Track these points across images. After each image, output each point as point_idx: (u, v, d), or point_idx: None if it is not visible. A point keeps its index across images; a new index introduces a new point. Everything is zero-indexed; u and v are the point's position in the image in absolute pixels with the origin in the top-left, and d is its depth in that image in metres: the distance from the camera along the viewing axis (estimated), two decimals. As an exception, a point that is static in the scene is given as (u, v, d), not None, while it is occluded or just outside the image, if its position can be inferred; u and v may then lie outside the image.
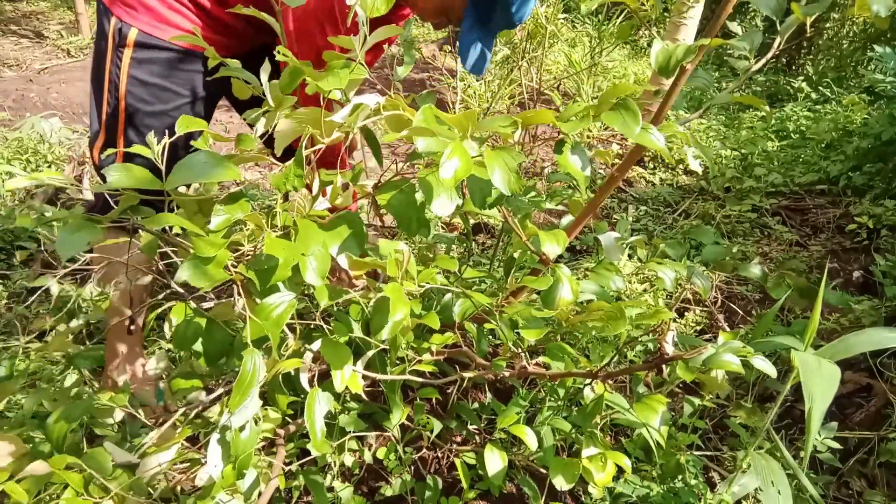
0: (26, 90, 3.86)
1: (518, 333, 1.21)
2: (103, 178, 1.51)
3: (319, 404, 0.85)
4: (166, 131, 1.42)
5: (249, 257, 0.82)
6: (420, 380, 1.13)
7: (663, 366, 0.91)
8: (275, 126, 0.90)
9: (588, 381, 1.15)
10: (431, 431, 1.41)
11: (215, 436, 0.82)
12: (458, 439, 1.54)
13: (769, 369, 0.99)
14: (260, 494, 1.01)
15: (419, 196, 0.85)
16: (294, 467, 1.38)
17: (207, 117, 1.57)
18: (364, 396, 1.17)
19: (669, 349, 0.89)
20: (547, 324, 1.12)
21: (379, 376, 1.06)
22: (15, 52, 4.48)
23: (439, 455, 1.54)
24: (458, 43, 1.43)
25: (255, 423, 0.84)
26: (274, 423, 1.10)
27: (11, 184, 0.78)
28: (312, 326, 1.07)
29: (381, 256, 0.96)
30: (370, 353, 1.03)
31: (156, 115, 1.42)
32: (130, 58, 1.38)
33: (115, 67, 1.40)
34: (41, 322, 1.74)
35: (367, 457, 1.41)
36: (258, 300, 0.80)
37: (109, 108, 1.43)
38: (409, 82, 4.82)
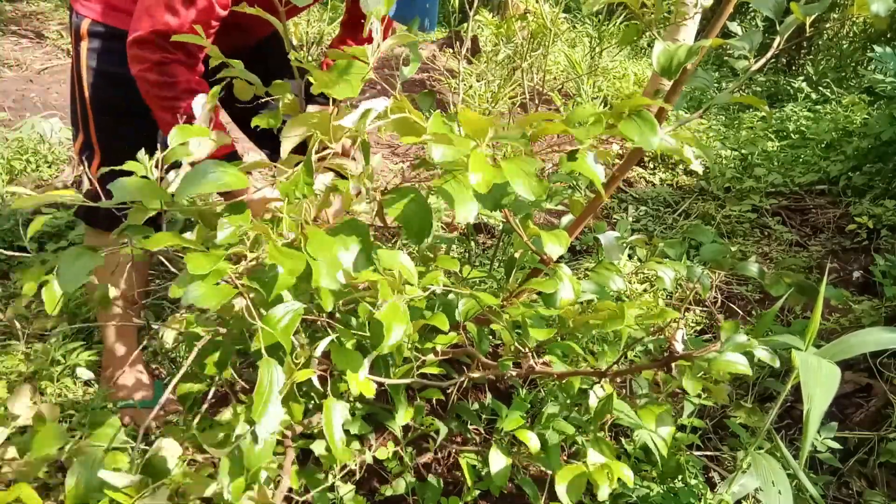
0: (26, 90, 3.86)
1: (519, 333, 1.21)
2: (101, 184, 1.49)
3: (336, 413, 0.85)
4: (134, 123, 1.35)
5: (252, 267, 0.82)
6: (424, 381, 1.13)
7: (673, 364, 0.91)
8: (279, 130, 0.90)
9: (596, 380, 1.15)
10: (437, 432, 1.41)
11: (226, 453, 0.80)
12: (459, 439, 1.54)
13: (772, 359, 0.98)
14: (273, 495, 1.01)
15: (432, 201, 0.84)
16: (295, 467, 1.38)
17: None
18: (369, 399, 1.17)
19: (679, 347, 0.89)
20: (550, 324, 1.12)
21: (384, 380, 1.06)
22: (15, 52, 4.47)
23: (440, 455, 1.54)
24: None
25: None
26: (283, 424, 1.09)
27: (18, 204, 0.77)
28: (318, 328, 1.06)
29: (383, 268, 0.96)
30: (373, 354, 1.03)
31: (120, 103, 1.37)
32: (87, 49, 1.34)
33: (77, 62, 1.37)
34: (41, 322, 1.74)
35: (368, 457, 1.41)
36: (264, 311, 0.79)
37: (80, 105, 1.40)
38: (409, 83, 4.82)
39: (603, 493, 1.02)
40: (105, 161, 1.40)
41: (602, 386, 1.17)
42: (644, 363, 1.04)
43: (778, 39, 0.98)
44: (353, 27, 1.53)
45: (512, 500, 1.47)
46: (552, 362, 1.18)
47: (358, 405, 1.38)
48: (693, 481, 1.42)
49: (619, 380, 1.62)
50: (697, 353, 0.89)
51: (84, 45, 1.35)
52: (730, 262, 1.34)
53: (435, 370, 1.12)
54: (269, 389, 0.73)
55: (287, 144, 0.90)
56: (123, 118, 1.38)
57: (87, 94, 1.37)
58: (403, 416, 1.28)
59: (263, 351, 0.75)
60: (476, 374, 1.15)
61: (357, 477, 1.45)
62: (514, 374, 1.10)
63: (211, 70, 1.09)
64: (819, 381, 0.92)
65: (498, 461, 1.14)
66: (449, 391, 1.55)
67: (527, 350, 1.07)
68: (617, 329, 1.05)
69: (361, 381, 0.89)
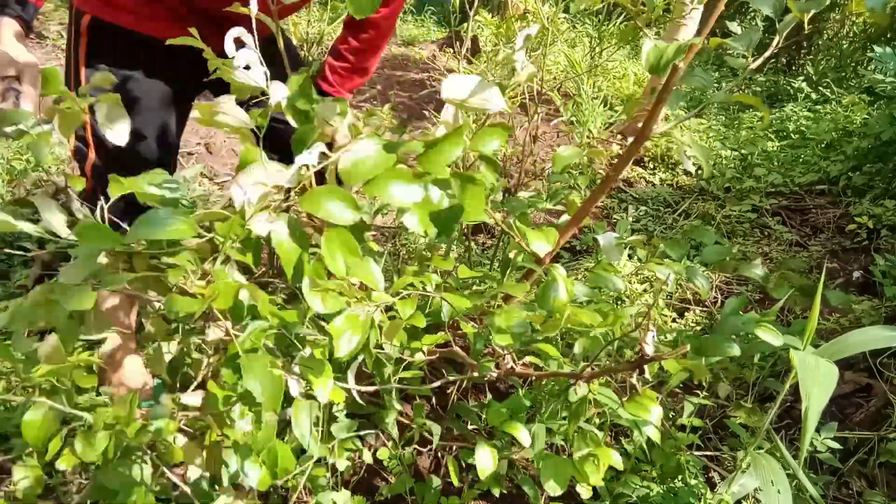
0: (27, 91, 3.85)
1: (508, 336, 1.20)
2: (96, 183, 1.48)
3: (304, 414, 0.85)
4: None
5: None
6: (400, 386, 1.13)
7: (646, 367, 0.90)
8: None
9: (572, 381, 1.15)
10: (431, 434, 1.41)
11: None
12: (459, 439, 1.54)
13: (775, 339, 0.99)
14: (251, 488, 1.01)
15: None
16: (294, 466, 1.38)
17: (179, 103, 1.48)
18: (359, 400, 1.17)
19: (649, 350, 0.89)
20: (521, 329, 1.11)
21: (363, 388, 1.06)
22: (15, 53, 4.47)
23: (439, 455, 1.54)
24: None
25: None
26: None
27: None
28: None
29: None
30: (360, 359, 1.02)
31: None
32: (86, 45, 1.34)
33: (76, 58, 1.36)
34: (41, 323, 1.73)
35: (367, 457, 1.41)
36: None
37: None
38: (409, 83, 4.82)
39: (593, 480, 1.02)
40: (100, 159, 1.40)
41: (576, 388, 1.17)
42: (616, 365, 1.04)
43: (777, 38, 0.98)
44: (356, 26, 1.53)
45: (512, 500, 1.47)
46: (534, 363, 1.18)
47: (341, 410, 1.38)
48: (693, 481, 1.42)
49: (609, 381, 1.62)
50: (667, 355, 0.89)
51: (83, 40, 1.35)
52: (732, 264, 1.34)
53: (416, 374, 1.12)
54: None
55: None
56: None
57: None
58: (393, 416, 1.28)
59: (242, 352, 0.76)
60: (455, 377, 1.16)
61: (356, 477, 1.46)
62: (494, 374, 1.10)
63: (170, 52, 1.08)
64: (817, 379, 0.92)
65: (485, 459, 1.12)
66: (448, 391, 1.55)
67: (505, 351, 1.07)
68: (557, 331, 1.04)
69: (330, 389, 0.88)
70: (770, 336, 0.99)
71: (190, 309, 0.73)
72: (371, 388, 1.08)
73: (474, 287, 1.49)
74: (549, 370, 1.11)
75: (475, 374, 1.11)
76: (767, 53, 0.98)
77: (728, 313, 1.15)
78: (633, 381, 1.05)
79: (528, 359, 1.15)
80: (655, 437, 1.05)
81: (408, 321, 0.98)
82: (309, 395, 0.91)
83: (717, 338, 1.05)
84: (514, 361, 1.04)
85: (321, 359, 0.89)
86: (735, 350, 0.96)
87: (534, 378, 1.11)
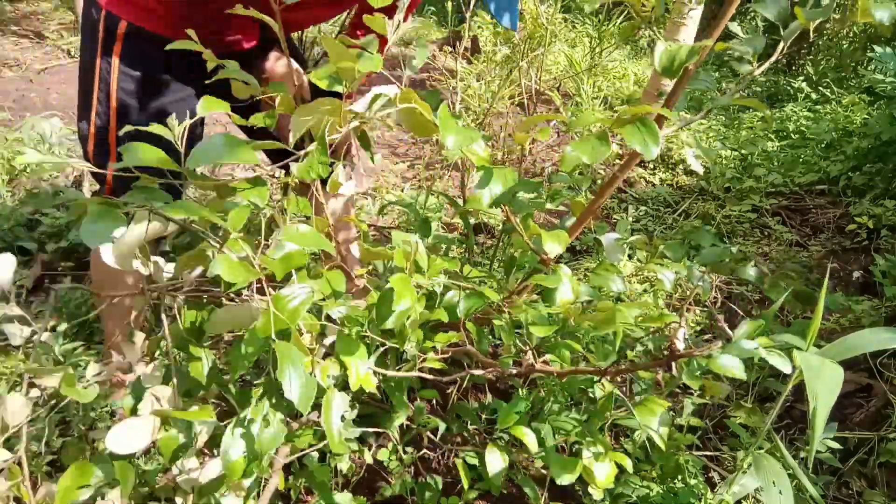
0: (26, 90, 3.86)
1: (519, 333, 1.20)
2: (98, 179, 1.48)
3: (336, 404, 0.85)
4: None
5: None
6: (426, 376, 1.13)
7: (673, 363, 0.91)
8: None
9: (597, 378, 1.15)
10: (433, 432, 1.41)
11: (236, 430, 0.81)
12: (459, 439, 1.55)
13: (785, 366, 0.99)
14: (258, 495, 1.01)
15: (432, 202, 0.86)
16: (294, 467, 1.38)
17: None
18: (366, 399, 1.17)
19: (681, 346, 0.89)
20: (552, 322, 1.12)
21: (389, 373, 1.06)
22: (15, 53, 4.47)
23: (439, 455, 1.54)
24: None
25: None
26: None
27: (23, 160, 0.78)
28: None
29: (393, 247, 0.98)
30: (379, 351, 1.03)
31: (147, 109, 1.37)
32: (121, 51, 1.33)
33: (105, 63, 1.35)
34: (41, 322, 1.72)
35: (368, 457, 1.41)
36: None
37: (100, 106, 1.38)
38: (409, 83, 4.82)
39: (600, 478, 1.02)
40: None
41: (602, 384, 1.17)
42: (644, 362, 1.04)
43: (781, 44, 0.97)
44: (360, 26, 1.54)
45: (512, 500, 1.47)
46: (552, 361, 1.18)
47: (354, 404, 1.38)
48: (693, 481, 1.42)
49: (619, 379, 1.63)
50: (698, 352, 0.89)
51: (118, 46, 1.33)
52: (729, 266, 1.34)
53: (438, 365, 1.12)
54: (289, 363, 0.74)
55: (296, 131, 0.91)
56: (144, 120, 1.38)
57: (113, 95, 1.35)
58: (403, 416, 1.28)
59: (273, 334, 0.76)
60: (477, 372, 1.15)
61: (357, 477, 1.46)
62: (514, 372, 1.10)
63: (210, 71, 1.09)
64: (823, 381, 0.92)
65: (495, 461, 1.13)
66: (448, 391, 1.55)
67: (527, 348, 1.07)
68: (614, 330, 1.05)
69: (361, 374, 0.88)
70: (780, 362, 0.99)
71: (248, 277, 0.73)
72: (390, 373, 1.08)
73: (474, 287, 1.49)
74: (567, 368, 1.12)
75: (492, 371, 1.11)
76: (773, 59, 0.98)
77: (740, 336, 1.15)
78: (659, 377, 1.05)
79: (546, 357, 1.16)
80: (662, 443, 1.05)
81: (433, 315, 0.99)
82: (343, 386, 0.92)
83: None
84: (534, 359, 1.05)
85: (357, 339, 0.89)
86: (738, 370, 0.96)
87: (555, 376, 1.12)
